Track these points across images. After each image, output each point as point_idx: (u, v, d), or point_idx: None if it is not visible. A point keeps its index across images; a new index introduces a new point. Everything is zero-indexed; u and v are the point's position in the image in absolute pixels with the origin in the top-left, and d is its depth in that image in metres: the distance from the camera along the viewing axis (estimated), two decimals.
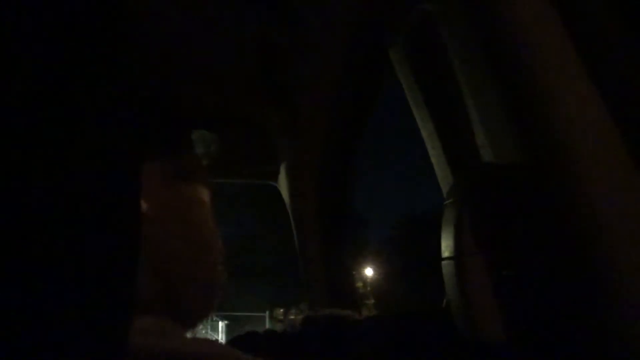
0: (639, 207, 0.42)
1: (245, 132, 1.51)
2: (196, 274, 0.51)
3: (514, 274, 0.48)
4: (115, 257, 0.25)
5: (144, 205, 0.46)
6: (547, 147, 0.43)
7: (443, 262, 0.53)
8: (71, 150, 0.22)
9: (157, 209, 0.47)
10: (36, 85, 0.21)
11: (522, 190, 0.47)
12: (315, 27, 0.88)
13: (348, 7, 0.76)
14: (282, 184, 1.56)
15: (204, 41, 1.06)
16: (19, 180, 0.19)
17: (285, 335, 0.64)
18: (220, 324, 17.01)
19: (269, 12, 0.94)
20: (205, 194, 0.55)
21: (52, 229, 0.21)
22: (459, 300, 0.50)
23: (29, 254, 0.20)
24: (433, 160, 0.60)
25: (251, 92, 1.29)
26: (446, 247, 0.52)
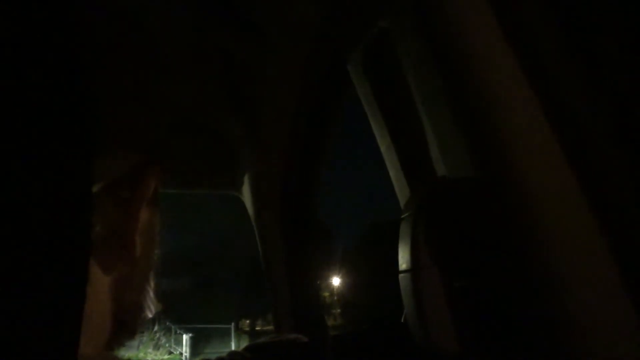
0: (583, 217, 0.44)
1: (206, 141, 1.49)
2: (144, 300, 0.50)
3: (467, 285, 0.49)
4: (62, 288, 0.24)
5: (105, 231, 0.44)
6: (494, 161, 0.45)
7: (400, 275, 0.54)
8: (21, 166, 0.21)
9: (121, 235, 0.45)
10: None
11: (474, 203, 0.48)
12: (275, 39, 0.89)
13: (307, 21, 0.77)
14: (246, 195, 1.55)
15: (164, 50, 1.05)
16: None
17: None
18: (185, 337, 16.62)
19: (230, 23, 0.94)
20: (156, 215, 0.53)
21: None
22: (415, 313, 0.51)
23: None
24: (391, 173, 0.61)
25: (212, 101, 1.28)
26: (403, 260, 0.53)
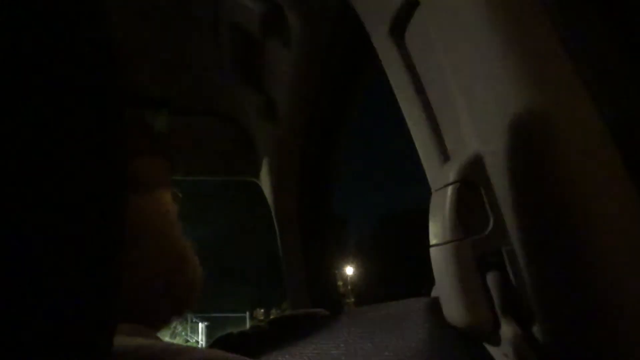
0: (628, 193, 0.42)
1: (224, 127, 1.49)
2: (160, 287, 0.50)
3: (501, 260, 0.48)
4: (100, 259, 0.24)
5: None
6: (532, 136, 0.43)
7: (431, 249, 0.53)
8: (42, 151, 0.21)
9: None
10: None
11: (509, 177, 0.47)
12: (293, 12, 0.87)
13: None
14: (264, 181, 1.55)
15: (175, 28, 1.04)
16: None
17: (258, 335, 0.62)
18: (200, 326, 16.86)
19: None
20: (168, 202, 0.53)
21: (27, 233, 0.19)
22: (446, 287, 0.50)
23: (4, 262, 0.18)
24: (419, 149, 0.60)
25: (227, 84, 1.27)
26: (434, 234, 0.52)
